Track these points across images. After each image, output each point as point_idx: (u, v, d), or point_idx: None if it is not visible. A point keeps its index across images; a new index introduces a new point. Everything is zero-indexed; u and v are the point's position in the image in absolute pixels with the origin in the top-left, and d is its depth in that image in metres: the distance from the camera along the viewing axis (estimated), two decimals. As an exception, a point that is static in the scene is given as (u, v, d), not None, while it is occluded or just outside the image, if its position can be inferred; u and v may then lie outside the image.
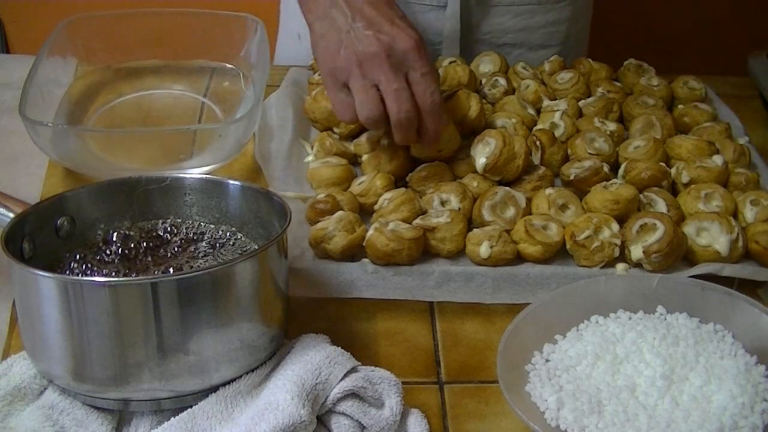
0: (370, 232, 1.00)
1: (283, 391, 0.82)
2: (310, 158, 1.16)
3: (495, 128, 1.13)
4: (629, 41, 1.92)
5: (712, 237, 1.02)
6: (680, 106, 1.26)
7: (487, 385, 0.91)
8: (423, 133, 1.04)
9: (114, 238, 0.95)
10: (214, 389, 0.84)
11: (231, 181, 0.98)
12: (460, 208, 1.05)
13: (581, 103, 1.25)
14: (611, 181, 1.08)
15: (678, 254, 1.01)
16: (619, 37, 2.07)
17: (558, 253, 1.03)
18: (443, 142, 1.09)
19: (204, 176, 1.00)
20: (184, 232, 0.96)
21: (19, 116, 1.07)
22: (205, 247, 0.95)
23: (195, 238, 0.96)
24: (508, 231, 1.03)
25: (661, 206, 1.06)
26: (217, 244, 0.95)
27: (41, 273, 0.81)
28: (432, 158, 1.10)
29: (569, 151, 1.16)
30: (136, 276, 0.89)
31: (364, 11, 1.03)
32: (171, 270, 0.91)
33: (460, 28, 1.35)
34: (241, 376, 0.85)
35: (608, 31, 2.16)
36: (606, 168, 1.11)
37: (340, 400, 0.84)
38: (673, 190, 1.12)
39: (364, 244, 1.00)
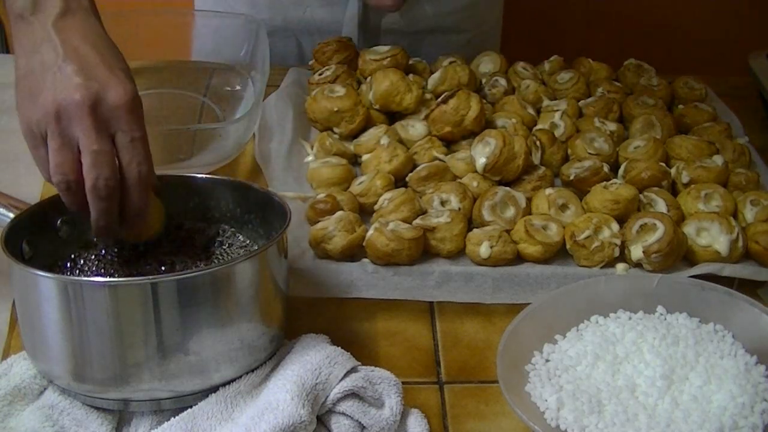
0: (370, 232, 1.00)
1: (283, 391, 0.82)
2: (310, 158, 1.16)
3: (495, 128, 1.13)
4: (629, 41, 1.92)
5: (712, 237, 1.02)
6: (680, 106, 1.26)
7: (487, 385, 0.91)
8: (124, 209, 0.85)
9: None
10: (214, 389, 0.84)
11: (231, 181, 0.98)
12: (460, 208, 1.05)
13: (581, 103, 1.25)
14: (611, 181, 1.08)
15: (678, 254, 1.01)
16: (619, 37, 2.07)
17: (558, 253, 1.03)
18: (147, 224, 0.90)
19: (204, 176, 1.00)
20: (184, 232, 0.96)
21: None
22: (204, 247, 0.95)
23: (195, 237, 0.96)
24: (508, 231, 1.03)
25: (661, 206, 1.06)
26: (217, 244, 0.95)
27: (41, 273, 0.81)
28: (131, 240, 0.91)
29: (569, 151, 1.16)
30: (136, 276, 0.89)
31: (79, 51, 0.84)
32: (171, 270, 0.91)
33: (367, 16, 1.35)
34: (241, 376, 0.85)
35: (608, 31, 2.16)
36: (606, 168, 1.11)
37: (340, 400, 0.84)
38: (673, 190, 1.12)
39: (364, 244, 1.00)
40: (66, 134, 0.82)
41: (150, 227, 0.89)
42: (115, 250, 0.93)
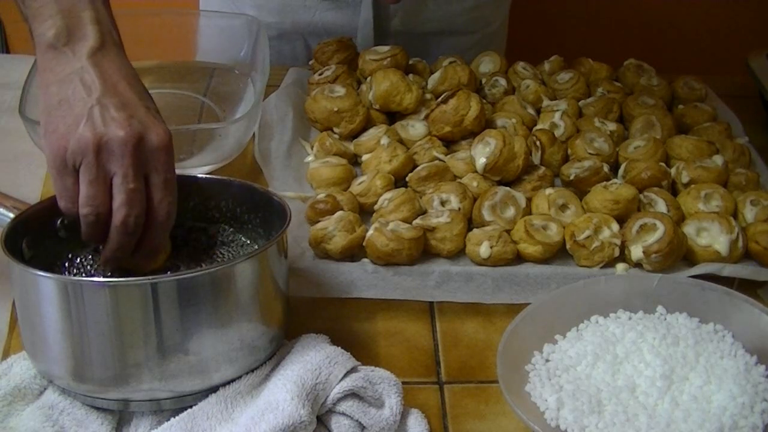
0: (370, 232, 1.00)
1: (283, 391, 0.82)
2: (310, 158, 1.16)
3: (495, 128, 1.13)
4: (629, 41, 1.92)
5: (712, 237, 1.02)
6: (680, 106, 1.26)
7: (487, 385, 0.91)
8: (143, 245, 0.86)
9: (114, 238, 0.94)
10: (214, 389, 0.84)
11: (231, 181, 0.98)
12: (460, 208, 1.05)
13: (581, 103, 1.25)
14: (611, 181, 1.08)
15: (678, 254, 1.01)
16: (619, 37, 2.07)
17: (558, 253, 1.03)
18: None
19: (204, 176, 1.00)
20: (184, 232, 0.96)
21: (19, 116, 1.07)
22: (204, 247, 0.95)
23: (195, 237, 0.96)
24: (508, 231, 1.03)
25: (661, 206, 1.06)
26: (217, 244, 0.95)
27: (41, 273, 0.81)
28: (135, 269, 0.90)
29: (569, 151, 1.16)
30: (135, 276, 0.89)
31: (117, 88, 0.85)
32: (171, 270, 0.91)
33: (378, 19, 1.36)
34: (241, 376, 0.85)
35: (608, 31, 2.16)
36: (606, 168, 1.11)
37: (340, 400, 0.84)
38: (673, 190, 1.12)
39: (364, 244, 1.00)
40: (102, 168, 0.82)
41: (157, 260, 0.90)
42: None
